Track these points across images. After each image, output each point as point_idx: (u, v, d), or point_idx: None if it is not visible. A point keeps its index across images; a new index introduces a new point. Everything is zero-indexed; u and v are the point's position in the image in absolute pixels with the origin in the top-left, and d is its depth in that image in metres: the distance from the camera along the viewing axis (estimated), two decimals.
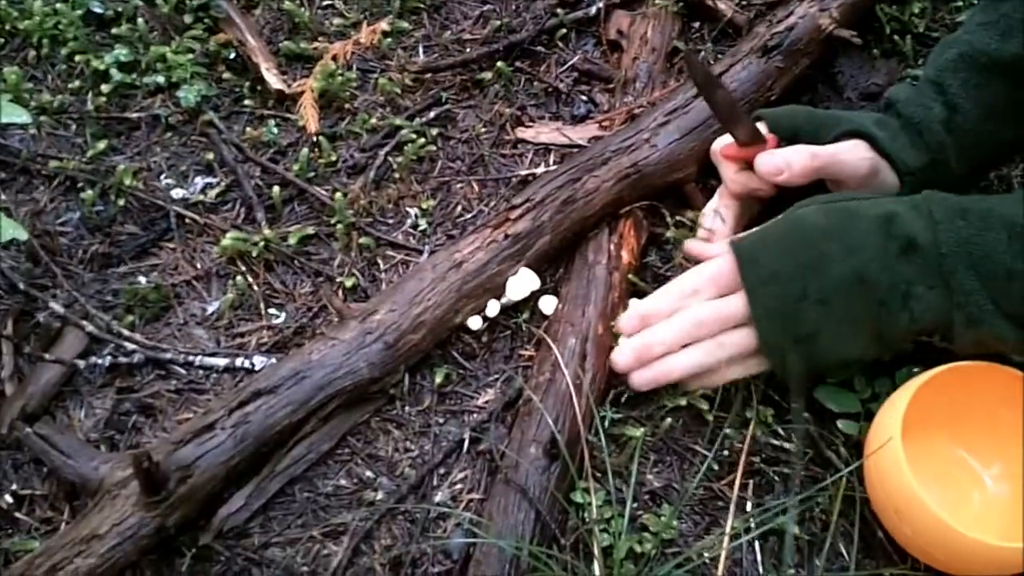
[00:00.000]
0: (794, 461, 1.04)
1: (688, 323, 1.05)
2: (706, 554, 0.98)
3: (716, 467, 1.04)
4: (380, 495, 1.04)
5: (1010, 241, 0.92)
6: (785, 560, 0.97)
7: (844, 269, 0.97)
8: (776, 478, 1.04)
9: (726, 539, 0.98)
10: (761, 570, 0.98)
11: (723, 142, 1.17)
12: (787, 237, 1.02)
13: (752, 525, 1.00)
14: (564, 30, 1.49)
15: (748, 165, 1.13)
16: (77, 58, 1.44)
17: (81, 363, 1.13)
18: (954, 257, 0.94)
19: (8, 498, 1.05)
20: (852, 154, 1.10)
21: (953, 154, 1.11)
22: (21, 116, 1.17)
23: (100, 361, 1.14)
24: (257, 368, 1.13)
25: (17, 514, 1.04)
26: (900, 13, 1.42)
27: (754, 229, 1.08)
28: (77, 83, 1.42)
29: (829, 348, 0.99)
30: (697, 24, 1.49)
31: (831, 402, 1.06)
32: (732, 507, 1.02)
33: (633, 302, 1.12)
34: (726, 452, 1.05)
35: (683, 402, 1.07)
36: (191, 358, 1.15)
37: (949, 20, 1.42)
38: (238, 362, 1.14)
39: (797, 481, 1.02)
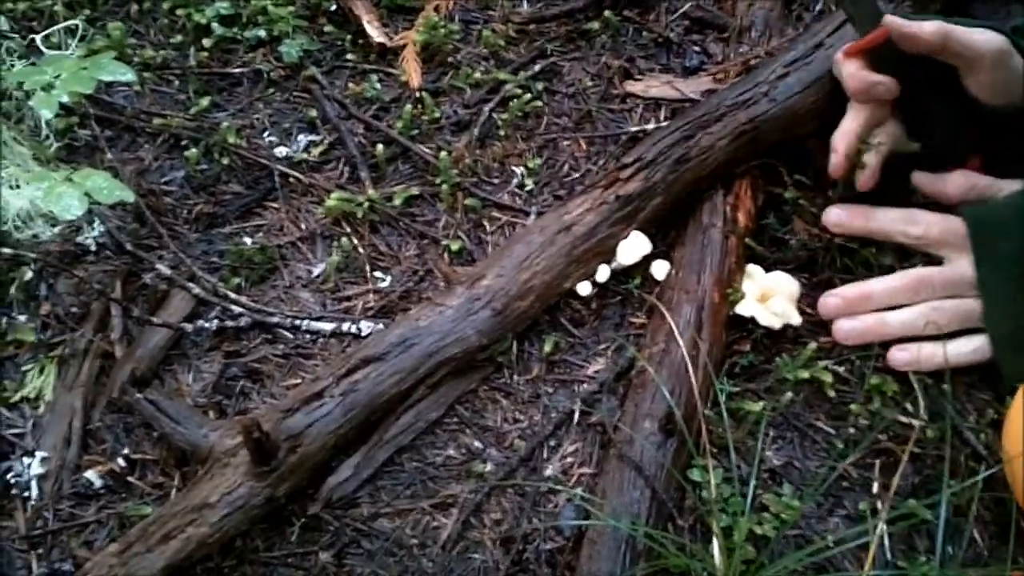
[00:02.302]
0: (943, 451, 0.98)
1: (912, 278, 1.06)
2: (830, 537, 0.94)
3: (840, 445, 1.00)
4: (489, 467, 1.02)
5: None
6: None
7: None
8: (904, 457, 0.99)
9: (877, 527, 0.93)
10: (889, 556, 0.94)
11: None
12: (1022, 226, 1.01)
13: (879, 507, 0.96)
14: None
15: (868, 63, 1.07)
16: (179, 12, 1.42)
17: (188, 326, 1.13)
18: None
19: (121, 461, 1.06)
20: (983, 34, 1.03)
21: None
22: (126, 74, 1.16)
23: (207, 324, 1.13)
24: (364, 333, 1.11)
25: (129, 478, 1.05)
26: None
27: (987, 203, 1.07)
28: (179, 38, 1.41)
29: None
30: None
31: None
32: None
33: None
34: (851, 429, 1.01)
35: (805, 375, 1.03)
36: (298, 322, 1.14)
37: None
38: (345, 327, 1.12)
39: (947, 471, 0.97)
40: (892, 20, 1.02)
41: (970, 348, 1.02)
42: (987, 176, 1.08)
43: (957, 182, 1.08)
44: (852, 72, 1.08)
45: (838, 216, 1.09)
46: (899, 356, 1.03)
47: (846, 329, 1.06)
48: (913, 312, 1.05)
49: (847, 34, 1.17)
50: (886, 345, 1.05)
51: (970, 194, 1.07)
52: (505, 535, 0.98)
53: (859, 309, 1.06)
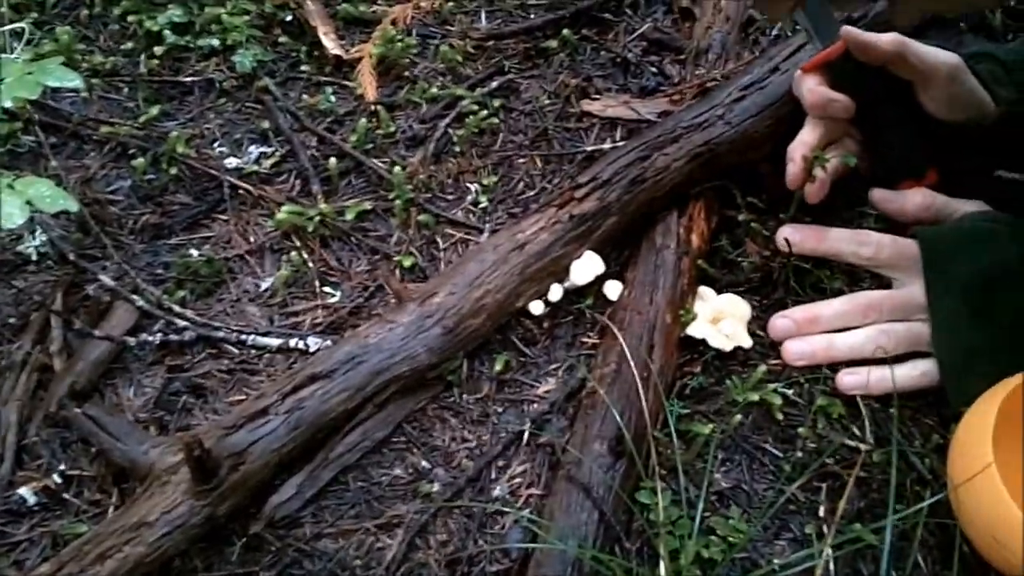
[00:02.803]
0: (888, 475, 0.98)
1: (861, 301, 1.06)
2: (776, 561, 0.93)
3: (788, 468, 0.99)
4: (436, 487, 1.00)
5: None
6: None
7: (1020, 300, 0.99)
8: (850, 481, 0.98)
9: (823, 551, 0.93)
10: None
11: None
12: (978, 248, 1.02)
13: (825, 531, 0.95)
14: None
15: (827, 78, 1.09)
16: (130, 18, 1.41)
17: (131, 340, 1.11)
18: None
19: (56, 478, 1.03)
20: (939, 52, 1.05)
21: None
22: (73, 80, 1.14)
23: (150, 338, 1.11)
24: (312, 349, 1.10)
25: (65, 495, 1.02)
26: None
27: (940, 226, 1.08)
28: (130, 44, 1.39)
29: (1001, 370, 0.95)
30: None
31: None
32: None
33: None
34: (799, 452, 1.00)
35: (755, 397, 1.03)
36: (244, 337, 1.11)
37: None
38: (292, 342, 1.11)
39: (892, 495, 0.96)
40: (850, 31, 1.03)
41: (918, 372, 1.02)
42: (943, 196, 1.09)
43: (915, 200, 1.09)
44: (810, 87, 1.09)
45: (790, 235, 1.09)
46: (848, 380, 1.03)
47: (795, 351, 1.06)
48: (861, 335, 1.05)
49: (803, 58, 1.17)
50: (836, 368, 1.05)
51: (927, 213, 1.08)
52: (451, 557, 0.96)
53: (808, 331, 1.07)
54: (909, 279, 1.05)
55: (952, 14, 1.06)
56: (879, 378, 1.02)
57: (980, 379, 0.95)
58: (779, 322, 1.07)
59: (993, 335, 0.98)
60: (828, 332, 1.07)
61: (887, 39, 1.02)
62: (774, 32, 1.36)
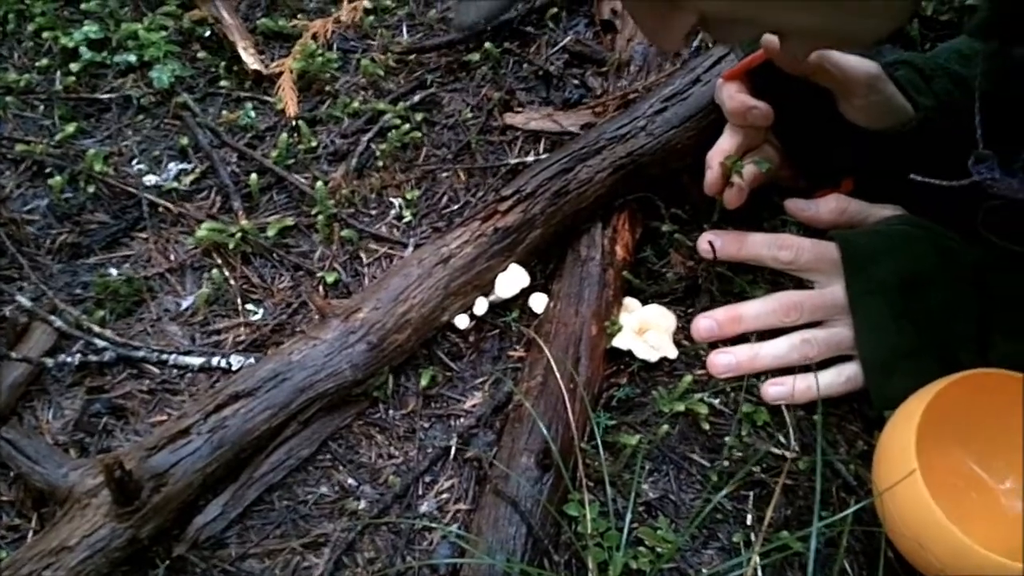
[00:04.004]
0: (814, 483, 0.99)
1: (782, 301, 1.07)
2: (705, 571, 0.94)
3: (715, 477, 1.00)
4: (363, 504, 1.00)
5: None
6: None
7: (943, 299, 1.00)
8: (777, 489, 0.99)
9: (751, 559, 0.93)
10: None
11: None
12: (898, 251, 1.03)
13: (753, 539, 0.96)
14: (555, 9, 1.44)
15: (747, 85, 1.10)
16: (45, 35, 1.38)
17: (49, 361, 1.08)
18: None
19: None
20: (857, 58, 1.06)
21: (963, 107, 1.07)
22: None
23: (69, 359, 1.09)
24: (234, 368, 1.08)
25: None
26: None
27: (860, 229, 1.09)
28: (45, 61, 1.36)
29: (923, 372, 0.96)
30: None
31: None
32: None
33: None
34: (726, 462, 1.01)
35: (681, 407, 1.03)
36: (165, 356, 1.09)
37: (958, 3, 1.36)
38: (214, 361, 1.09)
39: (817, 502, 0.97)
40: (771, 40, 1.04)
41: (842, 379, 1.03)
42: (858, 201, 1.11)
43: (830, 206, 1.10)
44: (731, 94, 1.09)
45: (711, 241, 1.10)
46: (773, 391, 1.04)
47: (720, 363, 1.06)
48: (784, 343, 1.05)
49: (723, 70, 1.18)
50: (760, 377, 1.06)
51: (842, 218, 1.10)
52: (379, 574, 0.95)
53: (731, 330, 1.07)
54: (829, 280, 1.06)
55: (845, 48, 1.07)
56: (803, 387, 1.03)
57: (903, 380, 0.96)
58: (702, 323, 1.08)
59: (914, 336, 0.99)
60: (750, 332, 1.07)
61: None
62: (695, 43, 1.37)
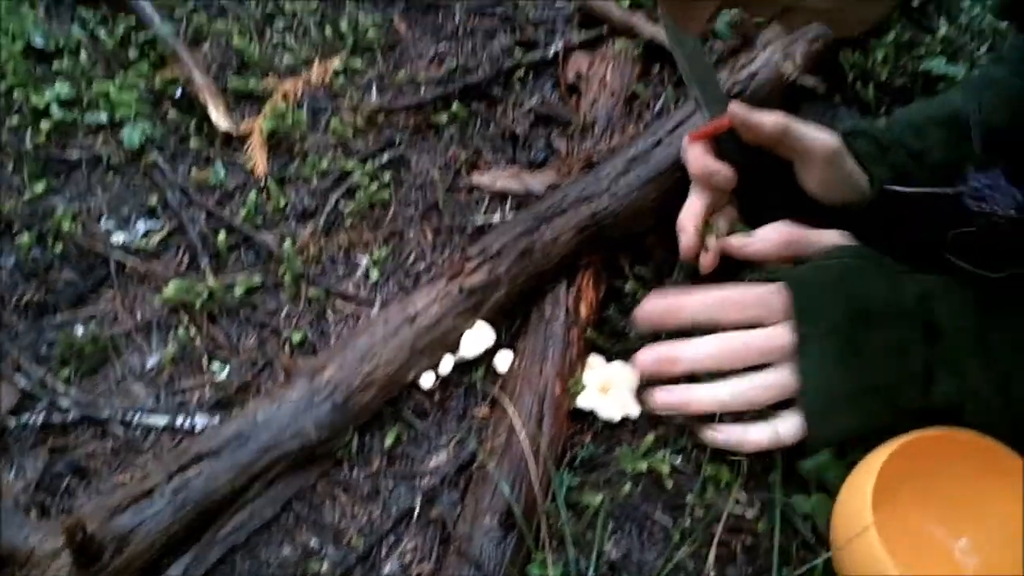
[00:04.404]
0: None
1: (725, 345, 1.03)
2: None
3: (678, 536, 1.00)
4: (326, 565, 0.99)
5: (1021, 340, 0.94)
6: None
7: (887, 336, 0.97)
8: (738, 548, 1.00)
9: None
10: None
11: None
12: (845, 288, 1.01)
13: None
14: (521, 72, 1.46)
15: (711, 148, 1.11)
16: (16, 93, 1.39)
17: (12, 421, 1.08)
18: (972, 345, 0.95)
19: None
20: (819, 132, 1.06)
21: (917, 182, 1.09)
22: None
23: (32, 419, 1.08)
24: (198, 428, 1.08)
25: None
26: (863, 61, 1.40)
27: (806, 266, 1.05)
28: (15, 119, 1.37)
29: (866, 415, 0.96)
30: (657, 67, 1.46)
31: (826, 474, 1.00)
32: None
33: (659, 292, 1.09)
34: (688, 521, 1.01)
35: (644, 466, 1.04)
36: (129, 416, 1.09)
37: (912, 68, 1.40)
38: (179, 421, 1.09)
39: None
40: (736, 110, 1.06)
41: (789, 426, 1.00)
42: (801, 228, 1.09)
43: (772, 238, 1.09)
44: (696, 156, 1.11)
45: (648, 313, 1.07)
46: (712, 435, 1.03)
47: (656, 399, 1.05)
48: (727, 388, 1.02)
49: (685, 132, 1.21)
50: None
51: (787, 250, 1.09)
52: None
53: (667, 370, 1.05)
54: (776, 322, 1.03)
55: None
56: (748, 434, 1.02)
57: (845, 421, 0.96)
58: (641, 356, 1.06)
59: (860, 376, 0.97)
60: (691, 372, 1.05)
61: (770, 122, 1.05)
62: (658, 107, 1.39)
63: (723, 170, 1.09)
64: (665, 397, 1.04)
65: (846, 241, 1.08)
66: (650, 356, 1.05)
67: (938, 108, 1.15)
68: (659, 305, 1.06)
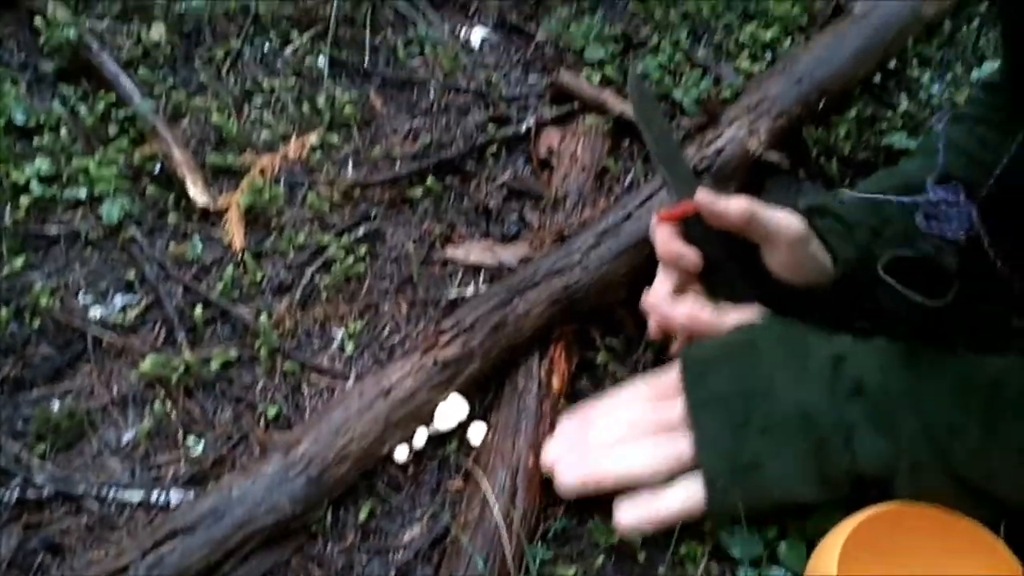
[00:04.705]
0: None
1: (624, 419, 1.06)
2: None
3: None
4: None
5: (957, 395, 0.93)
6: None
7: (790, 401, 0.97)
8: None
9: None
10: None
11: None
12: (739, 359, 1.02)
13: None
14: (495, 147, 1.49)
15: (678, 229, 1.12)
16: None
17: None
18: (900, 403, 0.94)
19: None
20: (785, 217, 1.07)
21: (880, 251, 1.09)
22: None
23: (7, 495, 1.09)
24: (174, 503, 1.09)
25: None
26: (826, 136, 1.43)
27: (707, 341, 1.08)
28: None
29: (771, 483, 0.97)
30: (627, 142, 1.50)
31: (734, 547, 1.01)
32: None
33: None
34: None
35: (615, 539, 1.05)
36: (104, 491, 1.10)
37: (874, 143, 1.43)
38: (154, 496, 1.09)
39: None
40: (702, 198, 1.07)
41: (691, 492, 1.01)
42: (710, 308, 1.11)
43: (681, 320, 1.11)
44: (663, 239, 1.12)
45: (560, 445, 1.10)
46: (624, 517, 1.02)
47: (565, 479, 1.06)
48: (633, 455, 1.04)
49: (654, 206, 1.24)
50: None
51: (697, 325, 1.10)
52: None
53: (580, 436, 1.08)
54: (677, 395, 1.05)
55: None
56: (655, 509, 1.02)
57: (748, 492, 0.97)
58: (550, 448, 1.09)
59: (758, 445, 0.98)
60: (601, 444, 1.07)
61: (736, 209, 1.06)
62: (627, 181, 1.43)
63: (689, 255, 1.11)
64: (575, 471, 1.05)
65: (760, 316, 1.10)
66: (559, 443, 1.09)
67: (893, 178, 1.18)
68: (573, 419, 1.10)
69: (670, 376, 1.08)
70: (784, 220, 1.07)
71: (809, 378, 0.98)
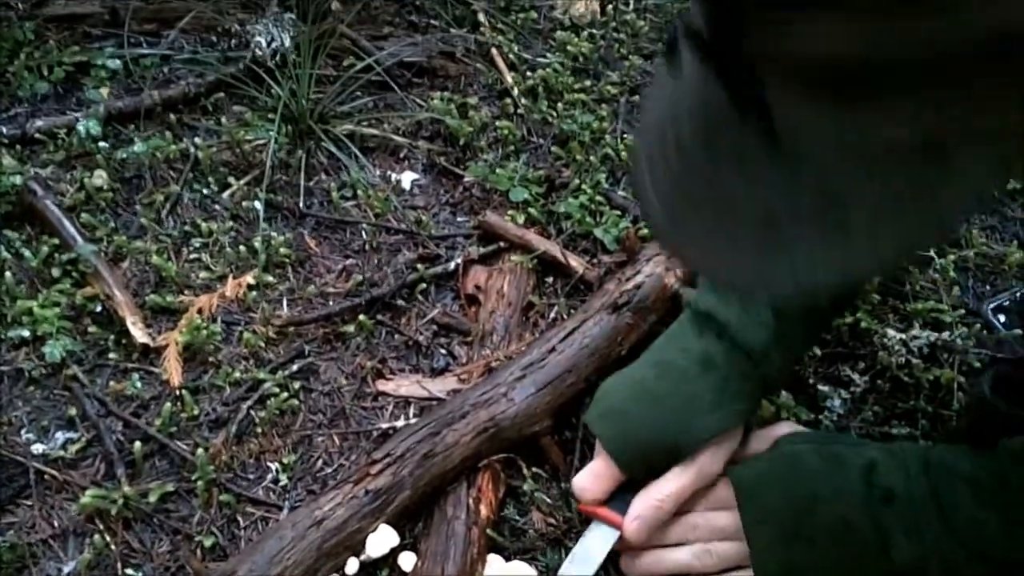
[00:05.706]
0: None
1: (683, 524, 1.13)
2: None
3: None
4: None
5: (972, 493, 1.01)
6: None
7: (832, 513, 1.06)
8: None
9: None
10: None
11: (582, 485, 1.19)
12: (784, 477, 1.11)
13: None
14: (424, 284, 1.56)
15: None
16: None
17: None
18: (925, 506, 1.02)
19: None
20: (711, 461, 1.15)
21: (777, 361, 1.18)
22: None
23: None
24: None
25: None
26: None
27: (750, 460, 1.16)
28: None
29: None
30: (551, 279, 1.58)
31: None
32: None
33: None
34: None
35: None
36: None
37: None
38: None
39: None
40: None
41: None
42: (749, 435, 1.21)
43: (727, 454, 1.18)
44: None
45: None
46: None
47: (631, 569, 1.14)
48: (687, 553, 1.12)
49: (576, 340, 1.32)
50: None
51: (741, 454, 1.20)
52: None
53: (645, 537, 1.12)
54: (729, 508, 1.13)
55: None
56: (653, 561, 1.12)
57: None
58: (629, 525, 1.12)
59: (808, 554, 1.06)
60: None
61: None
62: (552, 316, 1.51)
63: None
64: (637, 564, 1.14)
65: (792, 429, 1.20)
66: (634, 523, 1.12)
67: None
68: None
69: (721, 493, 1.15)
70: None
71: (847, 489, 1.07)
